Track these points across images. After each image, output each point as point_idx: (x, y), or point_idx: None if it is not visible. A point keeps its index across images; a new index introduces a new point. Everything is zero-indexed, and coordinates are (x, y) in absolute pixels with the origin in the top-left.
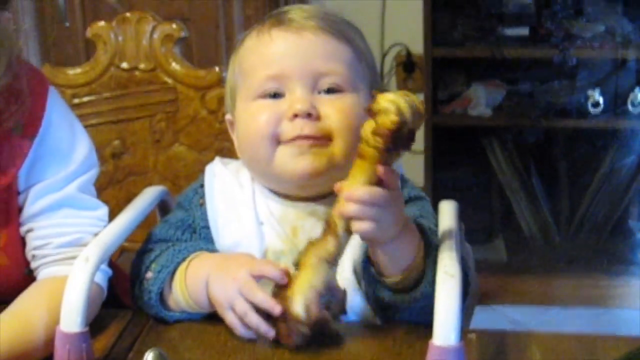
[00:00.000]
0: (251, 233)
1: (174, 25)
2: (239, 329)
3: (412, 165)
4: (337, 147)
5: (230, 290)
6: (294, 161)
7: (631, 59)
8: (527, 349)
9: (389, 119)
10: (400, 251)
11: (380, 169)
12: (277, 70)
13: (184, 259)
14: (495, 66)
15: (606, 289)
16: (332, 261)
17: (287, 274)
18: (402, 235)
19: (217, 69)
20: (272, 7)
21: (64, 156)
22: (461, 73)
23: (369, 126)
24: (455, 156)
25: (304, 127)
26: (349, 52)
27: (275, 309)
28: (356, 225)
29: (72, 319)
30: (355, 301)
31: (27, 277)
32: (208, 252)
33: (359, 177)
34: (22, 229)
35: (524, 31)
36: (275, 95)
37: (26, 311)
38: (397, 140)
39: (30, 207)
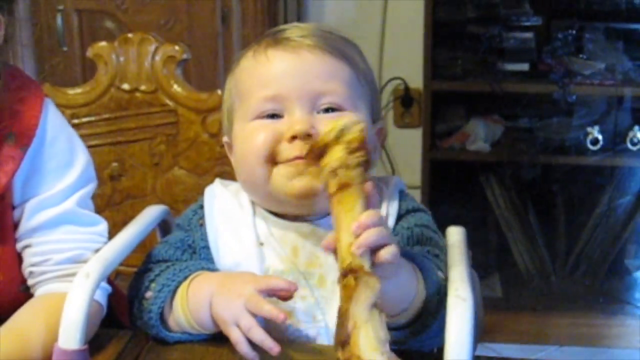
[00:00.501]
0: (251, 253)
1: (177, 47)
2: (244, 347)
3: None
4: None
5: (236, 306)
6: (291, 182)
7: (631, 96)
8: None
9: (357, 130)
10: (406, 282)
11: (369, 185)
12: (275, 91)
13: (185, 278)
14: (494, 101)
15: (602, 328)
16: (377, 303)
17: (294, 284)
18: (403, 262)
19: (219, 92)
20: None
21: (61, 169)
22: (460, 107)
23: (337, 154)
24: (453, 191)
25: (303, 148)
26: (348, 71)
27: (280, 316)
28: (385, 251)
29: (71, 336)
30: None
31: (23, 294)
32: (210, 272)
33: (355, 207)
34: (19, 245)
35: (524, 67)
36: (274, 116)
37: (24, 328)
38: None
39: (28, 222)
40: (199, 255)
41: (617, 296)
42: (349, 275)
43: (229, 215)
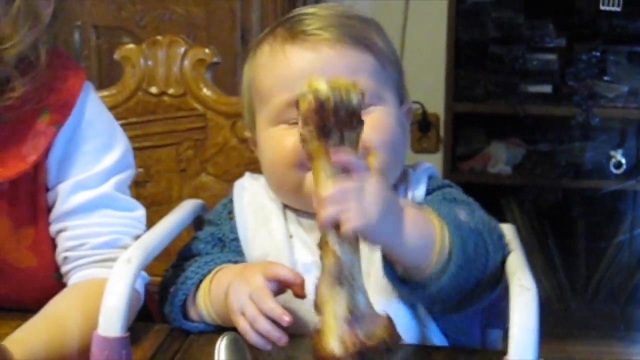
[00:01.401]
0: (281, 245)
1: (207, 50)
2: (251, 335)
3: None
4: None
5: (243, 295)
6: None
7: None
8: None
9: (306, 102)
10: (414, 238)
11: (335, 155)
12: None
13: (209, 272)
14: (516, 123)
15: (622, 356)
16: (343, 280)
17: (300, 277)
18: (407, 220)
19: None
20: None
21: (100, 152)
22: (481, 130)
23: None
24: None
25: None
26: (372, 61)
27: (284, 318)
28: (345, 226)
29: (112, 323)
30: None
31: (56, 282)
32: (234, 264)
33: (318, 179)
34: (53, 229)
35: (546, 89)
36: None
37: (61, 315)
38: (332, 121)
39: (63, 204)
40: (228, 248)
41: (637, 325)
42: (319, 248)
43: (259, 207)
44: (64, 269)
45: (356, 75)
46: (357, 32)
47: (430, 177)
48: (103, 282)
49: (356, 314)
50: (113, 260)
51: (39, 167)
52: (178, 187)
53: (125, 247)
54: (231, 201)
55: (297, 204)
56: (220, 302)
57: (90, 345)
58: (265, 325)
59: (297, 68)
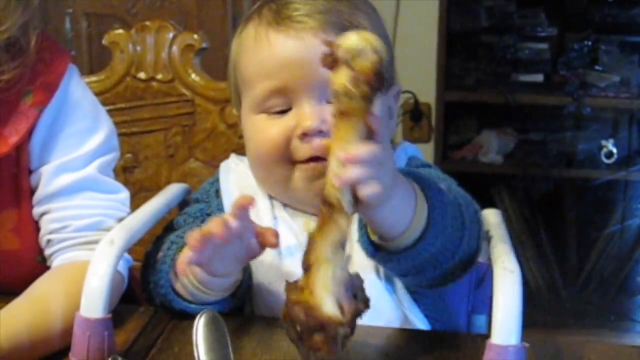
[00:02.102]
0: (268, 221)
1: (195, 36)
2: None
3: None
4: None
5: None
6: (312, 185)
7: None
8: (583, 356)
9: (368, 61)
10: (401, 206)
11: (373, 119)
12: (280, 82)
13: None
14: (507, 113)
15: (613, 345)
16: (344, 244)
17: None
18: (398, 189)
19: None
20: None
21: (83, 134)
22: (473, 119)
23: (342, 78)
24: None
25: (316, 146)
26: None
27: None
28: (364, 190)
29: (94, 304)
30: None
31: (39, 265)
32: None
33: (348, 137)
34: (36, 212)
35: (538, 78)
36: (280, 112)
37: (43, 296)
38: (379, 82)
39: (46, 187)
40: None
41: (628, 314)
42: (325, 206)
43: (245, 187)
44: (47, 251)
45: None
46: (343, 19)
47: (410, 158)
48: (86, 265)
49: (349, 279)
50: (96, 242)
51: (21, 149)
52: (166, 173)
53: (108, 230)
54: (217, 180)
55: (282, 197)
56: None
57: (72, 326)
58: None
59: (280, 56)
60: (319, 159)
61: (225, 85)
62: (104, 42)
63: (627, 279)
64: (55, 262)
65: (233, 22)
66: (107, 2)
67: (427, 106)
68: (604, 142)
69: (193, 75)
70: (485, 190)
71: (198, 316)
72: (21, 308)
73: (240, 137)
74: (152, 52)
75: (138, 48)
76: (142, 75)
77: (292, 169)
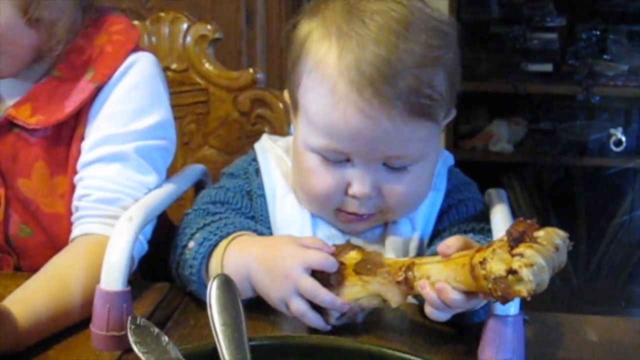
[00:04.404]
0: (306, 217)
1: (209, 26)
2: (310, 317)
3: None
4: (390, 217)
5: (284, 288)
6: (349, 224)
7: None
8: (581, 330)
9: (525, 289)
10: None
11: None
12: (343, 148)
13: (228, 234)
14: (517, 102)
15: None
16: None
17: (335, 265)
18: None
19: (250, 70)
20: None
21: (134, 114)
22: (483, 108)
23: (499, 265)
24: None
25: (359, 208)
26: (428, 126)
27: (345, 307)
28: (429, 311)
29: (114, 278)
30: None
31: None
32: (252, 235)
33: (459, 278)
34: (76, 178)
35: (547, 67)
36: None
37: (63, 270)
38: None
39: (87, 154)
40: (255, 202)
41: (638, 301)
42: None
43: (286, 174)
44: (73, 218)
45: (408, 146)
46: (421, 97)
47: (450, 170)
48: (100, 239)
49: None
50: (112, 217)
51: (79, 119)
52: (181, 160)
53: (125, 208)
54: (255, 160)
55: (327, 217)
56: (236, 278)
57: (90, 301)
58: (314, 318)
59: (352, 131)
60: (357, 215)
61: (238, 74)
62: None
63: (637, 267)
64: (75, 233)
65: (246, 15)
66: None
67: None
68: (612, 131)
69: (207, 65)
70: (495, 179)
71: (211, 280)
72: (38, 285)
73: (253, 124)
74: (167, 43)
75: (153, 39)
76: None
77: (335, 211)
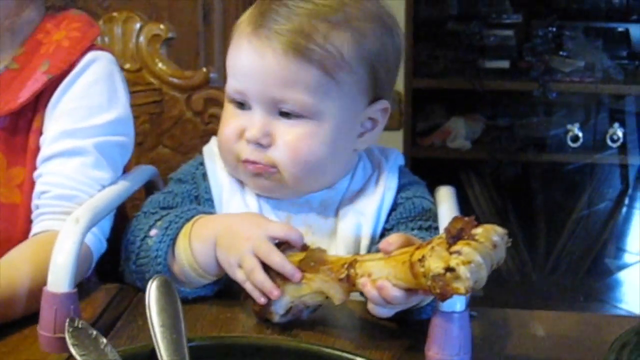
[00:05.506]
0: (254, 209)
1: (162, 26)
2: (247, 286)
3: None
4: (284, 176)
5: (241, 248)
6: (251, 180)
7: (610, 94)
8: (529, 325)
9: (463, 286)
10: None
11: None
12: (241, 86)
13: (191, 217)
14: (475, 99)
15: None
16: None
17: (298, 232)
18: None
19: (204, 69)
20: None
21: (93, 110)
22: (441, 105)
23: (437, 263)
24: (433, 188)
25: (251, 153)
26: (315, 75)
27: (296, 275)
28: (372, 307)
29: (60, 280)
30: None
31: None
32: (211, 215)
33: (400, 275)
34: (35, 173)
35: (504, 64)
36: (243, 105)
37: (13, 267)
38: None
39: (46, 149)
40: (203, 206)
41: (596, 296)
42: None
43: (231, 172)
44: (33, 216)
45: (292, 88)
46: (310, 41)
47: (400, 170)
48: (54, 236)
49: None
50: (69, 214)
51: (37, 111)
52: (135, 160)
53: (81, 205)
54: (201, 164)
55: (234, 173)
56: (205, 252)
57: (38, 297)
58: (261, 276)
59: (244, 64)
60: (250, 163)
61: (191, 73)
62: None
63: (595, 261)
64: (34, 229)
65: (204, 13)
66: None
67: (397, 94)
68: (570, 127)
69: (160, 65)
70: (454, 176)
71: (150, 281)
72: None
73: (207, 123)
74: (120, 43)
75: (106, 39)
76: None
77: (241, 163)
